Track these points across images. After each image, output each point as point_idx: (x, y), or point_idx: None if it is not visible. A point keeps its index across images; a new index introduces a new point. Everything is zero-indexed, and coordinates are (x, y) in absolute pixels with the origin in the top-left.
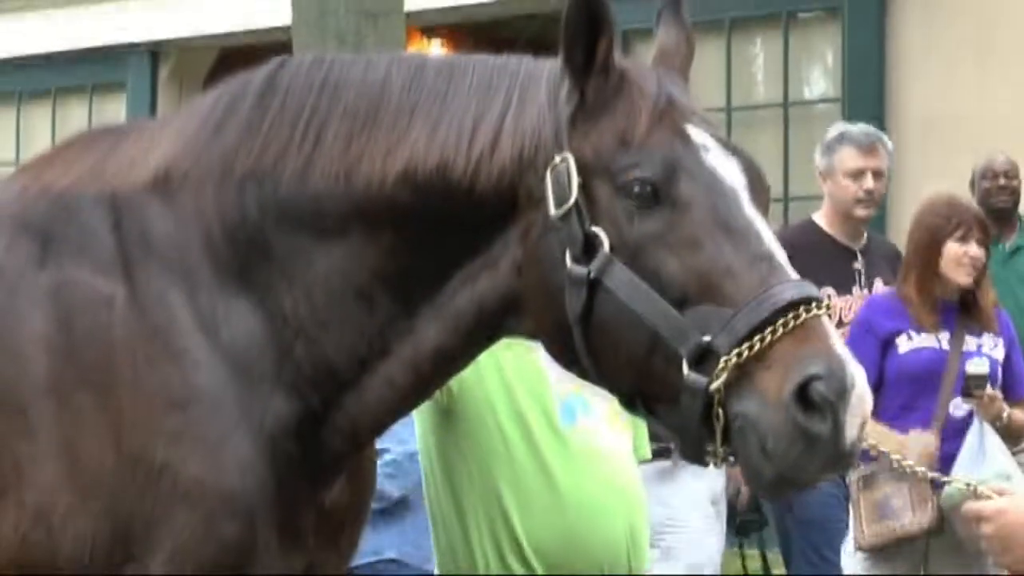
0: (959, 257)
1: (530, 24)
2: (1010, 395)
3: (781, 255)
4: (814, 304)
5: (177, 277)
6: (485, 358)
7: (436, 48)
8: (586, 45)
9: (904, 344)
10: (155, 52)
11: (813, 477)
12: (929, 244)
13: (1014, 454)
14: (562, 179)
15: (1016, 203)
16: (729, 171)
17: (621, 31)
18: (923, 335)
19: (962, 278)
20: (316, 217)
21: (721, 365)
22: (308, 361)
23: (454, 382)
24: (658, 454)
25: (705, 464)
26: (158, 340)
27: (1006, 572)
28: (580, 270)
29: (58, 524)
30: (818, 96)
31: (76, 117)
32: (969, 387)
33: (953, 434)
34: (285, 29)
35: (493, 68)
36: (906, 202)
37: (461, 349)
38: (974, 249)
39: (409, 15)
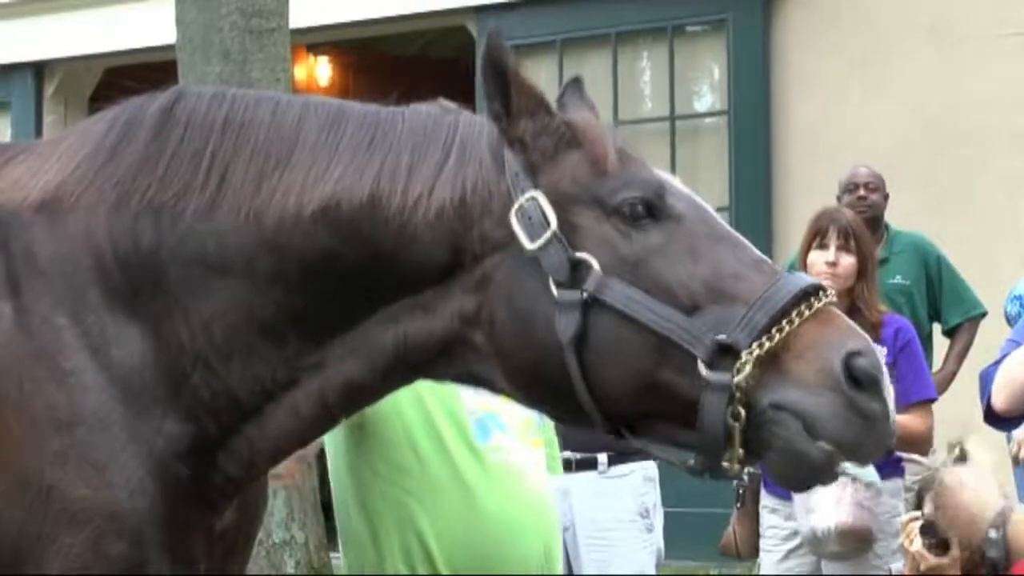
0: (815, 264)
1: (414, 42)
2: (898, 400)
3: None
4: (821, 293)
5: (64, 298)
6: None
7: (323, 65)
8: (502, 94)
9: None
10: (39, 70)
11: (867, 456)
12: (803, 257)
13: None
14: (534, 215)
15: (876, 215)
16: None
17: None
18: None
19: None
20: (219, 253)
21: (744, 359)
22: (207, 389)
23: None
24: (582, 466)
25: (722, 473)
26: (44, 361)
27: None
28: (571, 293)
29: None
30: (705, 109)
31: None
32: None
33: None
34: (170, 48)
35: (427, 118)
36: (790, 213)
37: (375, 384)
38: (830, 255)
39: (294, 33)
